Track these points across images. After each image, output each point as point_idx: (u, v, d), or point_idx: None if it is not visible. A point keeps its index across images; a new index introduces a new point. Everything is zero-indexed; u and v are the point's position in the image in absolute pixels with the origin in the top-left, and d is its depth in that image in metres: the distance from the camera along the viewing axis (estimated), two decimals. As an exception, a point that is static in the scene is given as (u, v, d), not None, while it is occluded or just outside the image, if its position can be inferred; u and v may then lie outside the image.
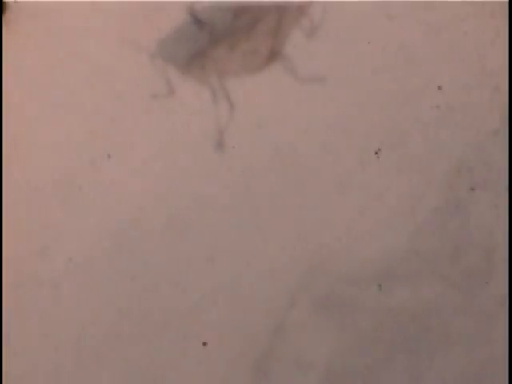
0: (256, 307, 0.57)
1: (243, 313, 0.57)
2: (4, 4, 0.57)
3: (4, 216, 0.55)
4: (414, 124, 0.58)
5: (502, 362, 0.56)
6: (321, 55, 0.57)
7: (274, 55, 0.57)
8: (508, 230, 0.57)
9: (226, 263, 0.57)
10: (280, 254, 0.57)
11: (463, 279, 0.58)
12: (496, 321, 0.57)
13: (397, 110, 0.58)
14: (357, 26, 0.58)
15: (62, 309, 0.56)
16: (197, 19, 0.57)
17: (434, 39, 0.58)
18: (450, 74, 0.58)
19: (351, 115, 0.58)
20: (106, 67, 0.57)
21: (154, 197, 0.57)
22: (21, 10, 0.57)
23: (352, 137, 0.58)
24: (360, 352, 0.57)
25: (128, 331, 0.56)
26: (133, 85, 0.57)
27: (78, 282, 0.56)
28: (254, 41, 0.57)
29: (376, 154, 0.58)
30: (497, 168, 0.58)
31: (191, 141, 0.57)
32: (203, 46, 0.57)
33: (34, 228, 0.56)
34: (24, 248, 0.56)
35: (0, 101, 0.56)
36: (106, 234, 0.56)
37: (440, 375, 0.57)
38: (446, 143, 0.58)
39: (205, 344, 0.56)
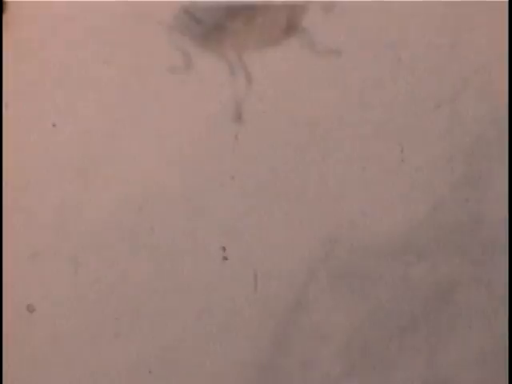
0: (276, 280, 0.56)
1: (263, 285, 0.56)
2: (4, 4, 0.57)
3: (22, 189, 0.55)
4: (432, 98, 0.58)
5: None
6: (338, 29, 0.58)
7: (291, 29, 0.57)
8: (508, 228, 0.58)
9: (244, 237, 0.57)
10: (299, 227, 0.57)
11: (482, 252, 0.57)
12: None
13: (414, 83, 0.58)
14: (373, 0, 0.58)
15: (80, 280, 0.55)
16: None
17: (444, 17, 0.59)
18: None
19: (368, 88, 0.58)
20: (123, 41, 0.57)
21: (172, 169, 0.56)
22: (21, 9, 0.57)
23: (369, 110, 0.58)
24: (379, 324, 0.57)
25: (147, 303, 0.56)
26: (150, 58, 0.57)
27: (96, 254, 0.56)
28: (272, 14, 0.57)
29: (394, 127, 0.58)
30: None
31: (209, 113, 0.57)
32: (221, 20, 0.57)
33: (52, 201, 0.56)
34: (42, 220, 0.56)
35: (0, 98, 0.56)
36: (123, 207, 0.56)
37: (460, 347, 0.57)
38: (466, 118, 0.58)
39: (227, 317, 0.56)
